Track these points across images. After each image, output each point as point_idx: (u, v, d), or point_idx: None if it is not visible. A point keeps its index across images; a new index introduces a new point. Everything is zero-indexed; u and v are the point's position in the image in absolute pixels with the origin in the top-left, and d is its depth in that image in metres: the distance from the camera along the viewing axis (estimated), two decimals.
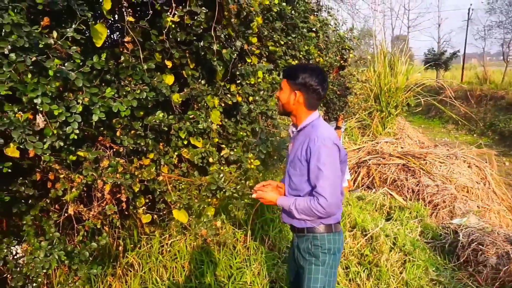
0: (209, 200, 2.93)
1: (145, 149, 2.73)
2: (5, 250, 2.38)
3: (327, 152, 1.96)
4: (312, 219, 2.09)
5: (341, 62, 5.14)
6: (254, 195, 2.25)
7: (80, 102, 2.13)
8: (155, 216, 3.04)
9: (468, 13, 24.90)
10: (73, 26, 2.11)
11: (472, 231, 4.23)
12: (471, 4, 27.86)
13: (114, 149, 2.61)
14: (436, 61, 23.33)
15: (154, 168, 2.75)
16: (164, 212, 3.11)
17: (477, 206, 5.26)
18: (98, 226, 2.62)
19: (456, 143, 9.26)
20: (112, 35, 3.01)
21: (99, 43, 2.31)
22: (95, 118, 2.21)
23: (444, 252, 4.14)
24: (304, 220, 2.12)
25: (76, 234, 2.62)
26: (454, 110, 13.65)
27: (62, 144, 2.14)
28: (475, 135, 13.63)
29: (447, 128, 15.25)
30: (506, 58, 22.25)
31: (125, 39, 2.49)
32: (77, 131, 2.13)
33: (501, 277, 3.44)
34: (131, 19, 2.41)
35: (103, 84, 2.41)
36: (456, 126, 14.89)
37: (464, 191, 5.59)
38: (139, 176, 2.65)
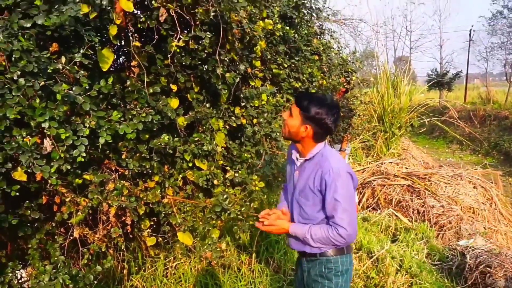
0: (214, 222, 2.92)
1: (150, 171, 2.75)
2: (10, 274, 2.38)
3: (343, 183, 1.97)
4: (326, 246, 2.08)
5: (345, 85, 5.18)
6: (261, 226, 2.22)
7: (87, 125, 2.16)
8: (160, 238, 3.03)
9: (470, 35, 25.11)
10: (81, 51, 2.16)
11: (479, 253, 4.17)
12: (472, 26, 28.09)
13: (120, 172, 2.62)
14: (439, 81, 23.42)
15: (159, 190, 2.76)
16: (169, 235, 3.10)
17: (484, 227, 5.20)
18: (103, 249, 2.61)
19: (461, 163, 9.23)
20: (118, 60, 3.06)
21: (105, 68, 2.35)
22: (101, 141, 2.23)
23: (451, 275, 4.08)
24: (318, 247, 2.10)
25: (81, 258, 2.61)
26: (458, 130, 13.64)
27: (69, 167, 2.16)
28: (479, 155, 13.56)
29: (451, 148, 15.20)
30: (509, 78, 22.29)
31: (131, 64, 2.54)
32: (84, 154, 2.15)
33: None
34: (137, 43, 2.46)
35: (109, 107, 2.45)
36: (461, 146, 14.83)
37: (470, 212, 5.54)
38: (144, 198, 2.66)
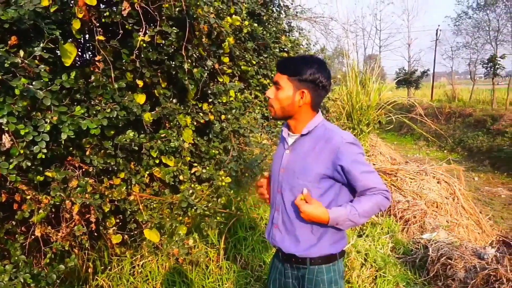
0: (181, 218, 2.92)
1: (115, 168, 2.72)
2: None
3: (360, 151, 1.77)
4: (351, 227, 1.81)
5: None
6: (303, 206, 1.72)
7: (48, 121, 2.12)
8: (126, 236, 3.00)
9: (436, 34, 25.86)
10: (41, 45, 2.12)
11: (441, 245, 4.32)
12: (438, 25, 28.99)
13: (84, 169, 2.59)
14: (407, 79, 24.02)
15: (124, 187, 2.74)
16: (136, 232, 3.08)
17: (446, 221, 5.38)
18: (67, 248, 2.57)
19: (426, 159, 9.50)
20: (84, 55, 3.01)
21: (68, 62, 2.31)
22: (63, 136, 2.19)
23: (414, 267, 4.21)
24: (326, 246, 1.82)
25: (43, 257, 2.56)
26: (425, 127, 14.01)
27: (29, 164, 2.12)
28: (445, 151, 14.00)
29: (418, 144, 15.63)
30: (473, 77, 23.12)
31: (96, 58, 2.50)
32: (45, 151, 2.11)
33: None
34: (101, 38, 2.43)
35: (73, 103, 2.41)
36: (427, 142, 15.27)
37: (433, 206, 5.72)
38: (109, 196, 2.63)
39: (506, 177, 10.46)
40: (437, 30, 25.85)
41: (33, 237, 2.48)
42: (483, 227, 5.80)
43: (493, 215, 7.25)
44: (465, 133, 14.69)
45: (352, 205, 1.73)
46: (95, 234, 2.85)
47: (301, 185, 1.78)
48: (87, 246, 2.91)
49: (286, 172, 1.86)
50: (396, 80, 21.29)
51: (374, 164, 7.26)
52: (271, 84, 1.83)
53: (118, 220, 2.84)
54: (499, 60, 17.41)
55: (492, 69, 17.53)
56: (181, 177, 2.98)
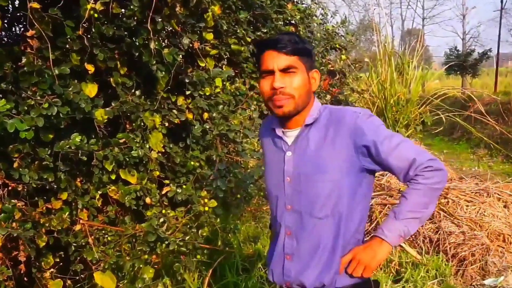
0: (147, 257, 2.92)
1: (55, 186, 2.71)
2: None
3: (379, 120, 1.89)
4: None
5: (329, 66, 5.27)
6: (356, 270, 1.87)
7: None
8: (69, 282, 2.98)
9: (502, 1, 26.00)
10: None
11: None
12: None
13: (10, 187, 2.58)
14: (461, 64, 24.09)
15: (67, 213, 2.73)
16: (83, 276, 3.06)
17: None
18: None
19: (488, 174, 9.52)
20: (12, 29, 3.02)
21: None
22: None
23: None
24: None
25: None
26: (486, 129, 14.05)
27: None
28: None
29: (477, 153, 15.63)
30: None
31: (28, 33, 2.50)
32: None
33: None
34: (36, 5, 2.43)
35: None
36: (490, 151, 15.28)
37: (499, 240, 5.71)
38: (46, 224, 2.62)
39: None
40: None
41: None
42: None
43: None
44: None
45: (402, 205, 1.84)
46: (26, 278, 2.83)
47: (321, 188, 1.86)
48: None
49: (294, 181, 1.92)
50: (446, 66, 21.39)
51: None
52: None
53: (58, 259, 2.83)
54: None
55: None
56: (147, 200, 2.97)
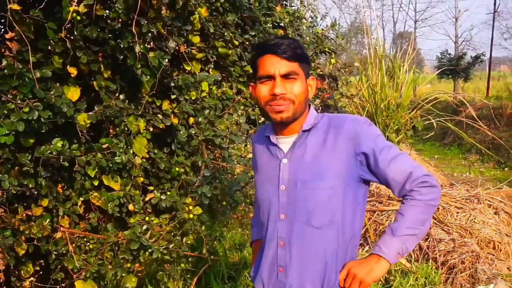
0: (129, 265, 2.90)
1: (35, 193, 2.70)
2: None
3: (378, 130, 1.92)
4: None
5: (318, 70, 5.28)
6: None
7: None
8: None
9: (494, 4, 26.19)
10: None
11: None
12: None
13: None
14: (453, 68, 24.23)
15: (48, 220, 2.72)
16: (63, 285, 3.05)
17: (508, 268, 5.41)
18: None
19: (479, 180, 9.59)
20: None
21: None
22: None
23: None
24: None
25: None
26: (478, 135, 14.14)
27: None
28: (506, 168, 14.10)
29: (469, 159, 15.73)
30: None
31: (8, 36, 2.49)
32: None
33: None
34: (16, 7, 2.42)
35: None
36: (481, 156, 15.39)
37: (489, 247, 5.75)
38: (26, 232, 2.61)
39: None
40: None
41: None
42: None
43: None
44: None
45: (400, 221, 1.83)
46: (5, 287, 2.82)
47: (319, 196, 1.85)
48: None
49: (290, 189, 1.91)
50: (439, 69, 21.52)
51: None
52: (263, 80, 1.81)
53: (38, 268, 2.81)
54: None
55: None
56: (130, 207, 2.96)
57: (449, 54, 26.67)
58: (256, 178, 2.11)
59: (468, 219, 6.08)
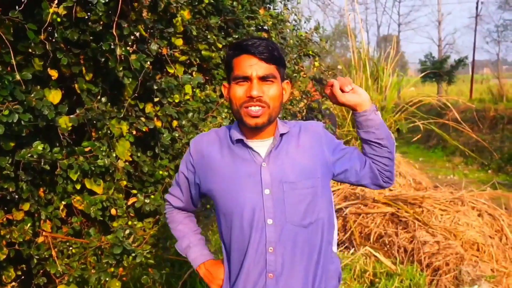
0: (113, 270, 2.89)
1: (16, 197, 2.68)
2: None
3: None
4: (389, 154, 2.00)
5: (302, 73, 5.29)
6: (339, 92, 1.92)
7: None
8: None
9: (477, 8, 26.48)
10: None
11: None
12: None
13: None
14: (437, 71, 24.43)
15: (29, 224, 2.70)
16: None
17: (491, 270, 5.46)
18: None
19: (463, 182, 9.66)
20: None
21: None
22: None
23: None
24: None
25: None
26: (462, 137, 14.28)
27: None
28: (489, 170, 14.24)
29: (453, 162, 15.86)
30: None
31: None
32: None
33: None
34: None
35: None
36: (465, 158, 15.52)
37: (473, 249, 5.79)
38: (7, 237, 2.59)
39: None
40: (477, 3, 26.50)
41: None
42: None
43: None
44: None
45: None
46: None
47: (305, 195, 1.91)
48: None
49: (275, 191, 1.90)
50: (422, 72, 21.67)
51: (390, 190, 7.35)
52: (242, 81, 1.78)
53: (20, 273, 2.79)
54: None
55: None
56: (113, 211, 2.95)
57: (433, 57, 26.90)
58: (222, 187, 1.98)
59: (452, 221, 6.13)
